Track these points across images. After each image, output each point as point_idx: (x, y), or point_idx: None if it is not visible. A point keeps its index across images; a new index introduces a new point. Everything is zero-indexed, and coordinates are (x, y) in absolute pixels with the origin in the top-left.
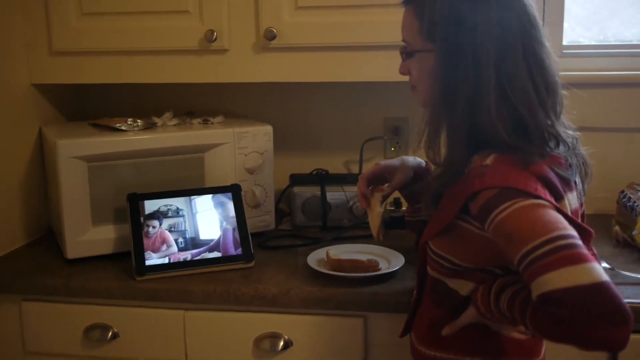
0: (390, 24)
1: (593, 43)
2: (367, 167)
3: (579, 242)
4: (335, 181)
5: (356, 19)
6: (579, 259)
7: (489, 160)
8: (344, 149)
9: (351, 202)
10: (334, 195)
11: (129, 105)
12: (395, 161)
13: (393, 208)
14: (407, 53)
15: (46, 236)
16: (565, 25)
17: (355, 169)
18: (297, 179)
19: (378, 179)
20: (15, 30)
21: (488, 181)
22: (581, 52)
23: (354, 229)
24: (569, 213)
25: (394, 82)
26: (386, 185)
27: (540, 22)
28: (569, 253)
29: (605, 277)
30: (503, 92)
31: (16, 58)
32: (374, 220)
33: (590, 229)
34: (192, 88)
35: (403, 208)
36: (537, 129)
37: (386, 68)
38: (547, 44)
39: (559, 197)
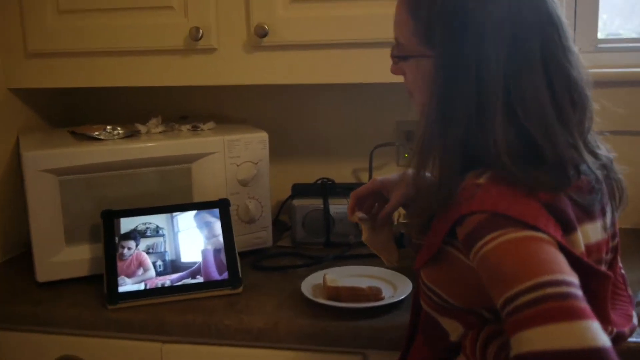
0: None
1: (634, 36)
2: (378, 176)
3: (576, 291)
4: (340, 192)
5: (359, 12)
6: (571, 314)
7: (482, 179)
8: (352, 156)
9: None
10: (338, 208)
11: (118, 109)
12: (394, 176)
13: (406, 221)
14: (399, 57)
15: (25, 254)
16: (603, 16)
17: (364, 178)
18: (299, 190)
19: (375, 197)
20: None
21: (476, 204)
22: (619, 47)
23: (360, 246)
24: (582, 248)
25: None
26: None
27: (565, 20)
28: (558, 305)
29: (603, 341)
30: (512, 112)
31: None
32: (377, 244)
33: (607, 272)
34: (185, 90)
35: None
36: (555, 155)
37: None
38: (575, 48)
39: (569, 228)
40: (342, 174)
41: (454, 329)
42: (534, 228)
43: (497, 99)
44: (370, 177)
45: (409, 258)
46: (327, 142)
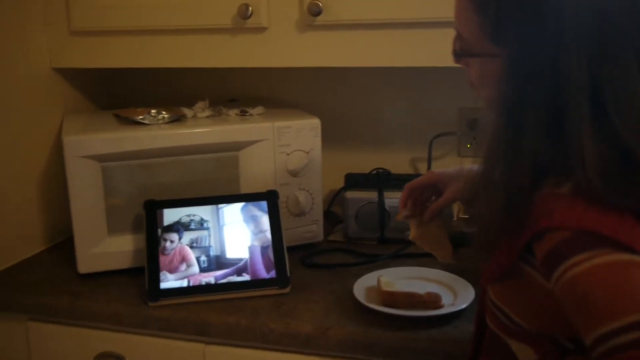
0: None
1: None
2: (438, 167)
3: None
4: (397, 184)
5: None
6: None
7: (565, 189)
8: (410, 145)
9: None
10: (394, 201)
11: (164, 91)
12: (452, 170)
13: (467, 216)
14: (462, 54)
15: (70, 240)
16: None
17: (423, 169)
18: (352, 180)
19: (431, 190)
20: (31, 7)
21: (559, 219)
22: None
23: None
24: None
25: None
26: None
27: None
28: None
29: None
30: (603, 118)
31: (34, 39)
32: (427, 240)
33: None
34: (234, 72)
35: None
36: None
37: None
38: None
39: None
40: (398, 164)
41: (525, 355)
42: (629, 250)
43: (582, 100)
44: (429, 168)
45: (467, 259)
46: (383, 129)
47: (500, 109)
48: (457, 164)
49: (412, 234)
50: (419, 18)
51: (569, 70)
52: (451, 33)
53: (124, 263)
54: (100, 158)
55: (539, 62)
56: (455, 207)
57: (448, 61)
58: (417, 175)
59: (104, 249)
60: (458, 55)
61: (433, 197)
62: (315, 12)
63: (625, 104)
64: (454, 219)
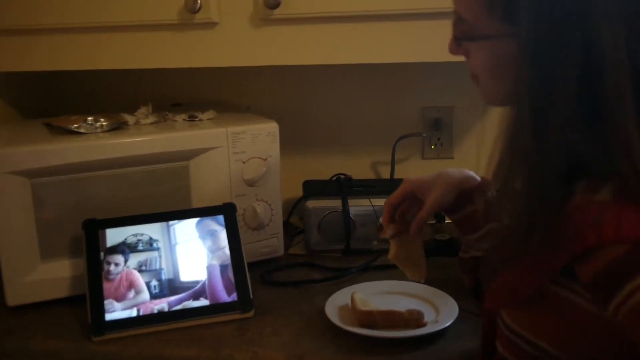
0: None
1: None
2: (401, 171)
3: None
4: (360, 190)
5: None
6: None
7: (604, 194)
8: (372, 148)
9: (382, 218)
10: (359, 209)
11: (101, 96)
12: (429, 176)
13: (434, 221)
14: (466, 38)
15: None
16: None
17: (385, 173)
18: (312, 188)
19: (407, 201)
20: None
21: (609, 232)
22: None
23: (387, 252)
24: None
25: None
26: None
27: None
28: None
29: None
30: None
31: None
32: (406, 259)
33: None
34: (180, 73)
35: (447, 221)
36: None
37: (428, 44)
38: None
39: None
40: (360, 168)
41: None
42: None
43: (621, 83)
44: (392, 171)
45: (442, 268)
46: (343, 132)
47: (521, 100)
48: (421, 166)
49: (392, 252)
50: (385, 10)
51: (602, 42)
52: (421, 27)
53: (61, 292)
54: (29, 174)
55: (564, 36)
56: None
57: (415, 57)
58: (382, 179)
59: (37, 276)
60: (459, 39)
61: (410, 210)
62: (273, 4)
63: None
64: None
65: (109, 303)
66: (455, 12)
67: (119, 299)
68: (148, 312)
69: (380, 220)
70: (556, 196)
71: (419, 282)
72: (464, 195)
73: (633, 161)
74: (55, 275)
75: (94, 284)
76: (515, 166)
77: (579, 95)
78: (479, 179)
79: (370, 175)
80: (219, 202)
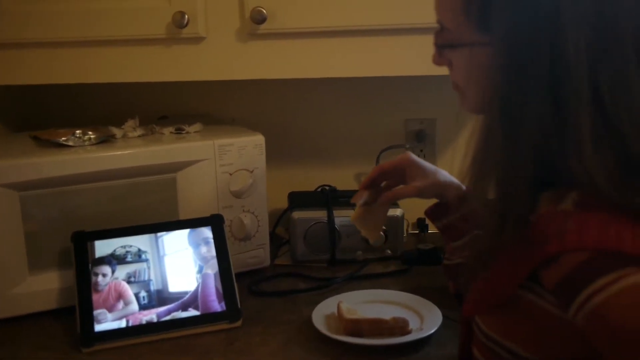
0: None
1: None
2: None
3: None
4: (345, 201)
5: None
6: None
7: (568, 204)
8: (356, 159)
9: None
10: (344, 220)
11: (89, 110)
12: (428, 165)
13: (418, 231)
14: (445, 45)
15: None
16: None
17: None
18: (297, 199)
19: (395, 172)
20: None
21: (572, 240)
22: None
23: (372, 262)
24: None
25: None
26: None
27: None
28: None
29: None
30: (603, 114)
31: None
32: (367, 223)
33: None
34: (167, 87)
35: (430, 231)
36: None
37: (412, 59)
38: None
39: None
40: (344, 180)
41: None
42: None
43: (583, 98)
44: None
45: (426, 276)
46: (328, 144)
47: (494, 107)
48: None
49: (355, 215)
50: (369, 25)
51: (565, 60)
52: (405, 42)
53: (49, 304)
54: (17, 186)
55: (534, 46)
56: (405, 223)
57: (399, 70)
58: None
59: (26, 288)
60: (440, 47)
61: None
62: (259, 19)
63: (620, 98)
64: (405, 235)
65: (100, 313)
66: (438, 22)
67: (108, 310)
68: (137, 322)
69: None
70: (526, 201)
71: (377, 244)
72: (449, 202)
73: (587, 171)
74: (44, 287)
75: (83, 295)
76: (486, 171)
77: (546, 103)
78: (464, 187)
79: (354, 186)
80: (206, 214)
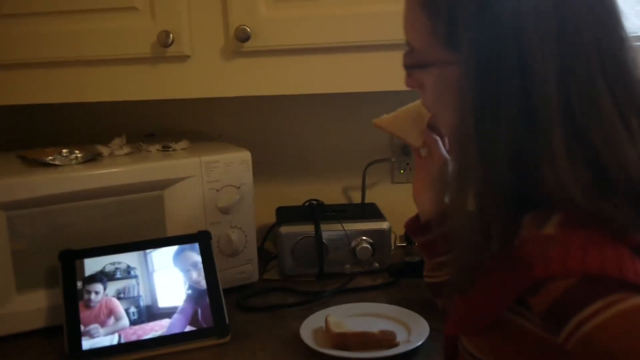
0: (399, 16)
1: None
2: (372, 195)
3: None
4: (332, 215)
5: (353, 10)
6: None
7: (551, 227)
8: (342, 173)
9: (354, 243)
10: (331, 234)
11: (75, 129)
12: None
13: (405, 244)
14: (413, 66)
15: None
16: None
17: (356, 198)
18: (284, 214)
19: None
20: None
21: (557, 266)
22: None
23: (359, 275)
24: None
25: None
26: None
27: (621, 8)
28: None
29: None
30: (574, 127)
31: None
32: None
33: None
34: (153, 105)
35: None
36: (628, 181)
37: (394, 74)
38: (632, 42)
39: None
40: (331, 194)
41: None
42: (638, 288)
43: (553, 111)
44: (363, 196)
45: (413, 289)
46: (314, 158)
47: (465, 126)
48: (391, 190)
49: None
50: (352, 42)
51: (534, 75)
52: (387, 57)
53: (37, 323)
54: (5, 206)
55: (501, 62)
56: (393, 236)
57: (382, 85)
58: (353, 204)
59: (13, 308)
60: (409, 67)
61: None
62: (243, 38)
63: (589, 111)
64: (392, 247)
65: (93, 328)
66: (407, 43)
67: (101, 326)
68: (126, 339)
69: (353, 243)
70: (506, 216)
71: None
72: (430, 219)
73: (563, 185)
74: (31, 307)
75: (70, 314)
76: (464, 186)
77: (520, 118)
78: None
79: (341, 200)
80: (194, 230)
